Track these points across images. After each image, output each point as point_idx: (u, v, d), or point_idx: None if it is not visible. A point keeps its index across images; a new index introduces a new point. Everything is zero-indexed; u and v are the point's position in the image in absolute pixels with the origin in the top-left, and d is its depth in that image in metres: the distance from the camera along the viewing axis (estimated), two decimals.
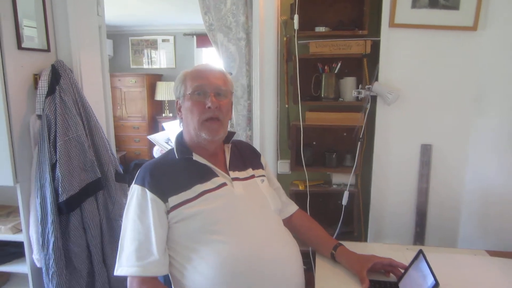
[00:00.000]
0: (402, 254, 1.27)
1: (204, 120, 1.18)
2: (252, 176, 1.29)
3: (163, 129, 4.68)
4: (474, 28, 1.55)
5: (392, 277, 1.19)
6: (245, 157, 1.34)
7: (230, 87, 1.25)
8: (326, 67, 1.80)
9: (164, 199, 1.13)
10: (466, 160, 1.67)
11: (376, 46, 1.70)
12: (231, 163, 1.28)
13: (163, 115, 5.32)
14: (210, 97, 1.16)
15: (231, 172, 1.25)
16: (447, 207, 1.72)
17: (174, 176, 1.18)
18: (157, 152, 4.70)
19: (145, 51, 5.47)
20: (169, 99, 5.21)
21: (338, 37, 1.74)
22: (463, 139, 1.66)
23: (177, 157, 1.23)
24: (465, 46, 1.60)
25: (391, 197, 1.76)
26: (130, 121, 5.07)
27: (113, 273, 1.76)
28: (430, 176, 1.70)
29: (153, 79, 5.21)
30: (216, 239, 1.10)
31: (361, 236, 1.91)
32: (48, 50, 1.80)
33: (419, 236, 1.74)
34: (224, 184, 1.19)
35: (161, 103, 5.38)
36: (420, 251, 1.12)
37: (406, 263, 1.17)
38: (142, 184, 1.15)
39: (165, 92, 5.14)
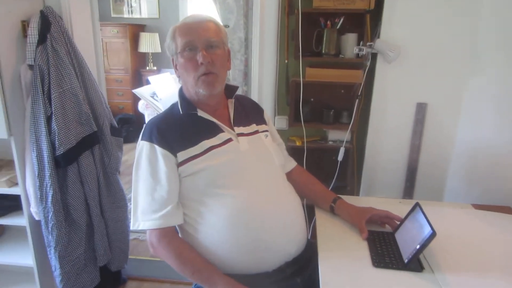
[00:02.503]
0: (395, 207, 1.34)
1: (199, 76, 1.16)
2: (256, 132, 1.30)
3: (148, 82, 4.57)
4: None
5: (388, 228, 1.27)
6: (249, 113, 1.35)
7: (223, 37, 1.21)
8: (328, 22, 1.77)
9: (174, 154, 1.14)
10: (458, 119, 1.72)
11: (380, 2, 1.68)
12: (236, 118, 1.28)
13: (147, 68, 5.16)
14: (201, 52, 1.13)
15: (235, 128, 1.25)
16: (437, 163, 1.79)
17: (181, 132, 1.18)
18: (142, 107, 4.62)
19: None
20: (153, 52, 5.03)
21: None
22: (457, 98, 1.70)
23: (181, 112, 1.23)
24: (467, 5, 1.59)
25: (385, 154, 1.82)
26: (113, 74, 4.90)
27: (111, 225, 1.84)
28: (423, 133, 1.76)
29: (136, 30, 4.99)
30: (223, 192, 1.13)
31: (354, 191, 1.99)
32: None
33: (409, 190, 1.83)
34: (230, 140, 1.20)
35: (144, 55, 5.19)
36: (417, 204, 1.19)
37: (399, 216, 1.24)
38: (150, 140, 1.15)
39: (149, 44, 4.94)
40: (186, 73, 1.18)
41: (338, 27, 1.78)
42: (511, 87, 1.59)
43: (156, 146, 1.13)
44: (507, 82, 1.58)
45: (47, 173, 1.61)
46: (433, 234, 1.01)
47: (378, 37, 1.65)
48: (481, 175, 1.69)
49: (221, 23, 1.25)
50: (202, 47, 1.14)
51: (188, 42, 1.15)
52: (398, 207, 1.35)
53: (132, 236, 2.42)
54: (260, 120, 1.37)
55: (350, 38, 1.79)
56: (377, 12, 1.71)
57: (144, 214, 1.11)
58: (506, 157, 1.63)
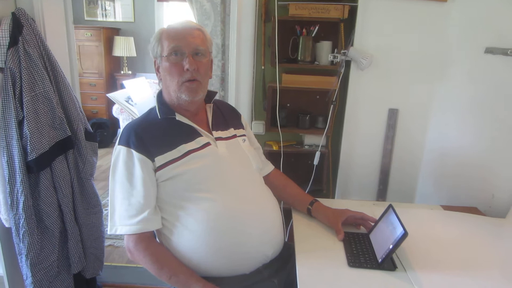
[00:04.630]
0: (369, 209, 1.39)
1: (183, 82, 1.17)
2: (234, 136, 1.32)
3: (122, 87, 4.50)
4: None
5: (363, 229, 1.31)
6: (227, 117, 1.36)
7: (208, 45, 1.23)
8: (303, 30, 1.82)
9: (151, 159, 1.14)
10: (427, 124, 1.80)
11: (353, 12, 1.74)
12: (214, 123, 1.30)
13: (122, 72, 5.07)
14: (188, 58, 1.15)
15: (214, 132, 1.27)
16: (408, 167, 1.86)
17: (159, 136, 1.18)
18: (116, 111, 4.55)
19: (100, 1, 5.09)
20: (127, 56, 4.96)
21: (318, 0, 1.75)
22: (426, 104, 1.78)
23: (159, 117, 1.23)
24: (435, 16, 1.67)
25: (359, 158, 1.88)
26: (86, 78, 4.79)
27: (85, 231, 1.80)
28: (395, 138, 1.82)
29: (110, 33, 4.90)
30: (202, 196, 1.14)
31: (329, 194, 2.04)
32: None
33: (382, 193, 1.89)
34: (208, 144, 1.22)
35: (119, 59, 5.11)
36: (390, 206, 1.23)
37: (374, 217, 1.29)
38: (127, 144, 1.15)
39: (123, 47, 4.87)
40: (170, 77, 1.18)
41: (313, 34, 1.83)
42: (474, 94, 1.68)
43: (133, 151, 1.13)
44: (471, 89, 1.67)
45: (18, 178, 1.56)
46: (405, 234, 1.06)
47: (352, 45, 1.70)
48: (450, 178, 1.77)
49: (206, 31, 1.26)
50: (190, 53, 1.15)
51: (175, 46, 1.16)
52: (372, 209, 1.40)
53: (107, 243, 2.37)
54: (238, 124, 1.39)
55: (325, 46, 1.85)
56: (350, 21, 1.77)
57: (121, 219, 1.11)
58: (472, 161, 1.71)
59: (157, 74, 1.26)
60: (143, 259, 1.10)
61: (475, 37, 1.63)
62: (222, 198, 1.15)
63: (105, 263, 2.01)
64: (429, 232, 1.32)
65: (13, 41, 1.55)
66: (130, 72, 5.08)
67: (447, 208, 1.54)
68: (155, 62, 1.24)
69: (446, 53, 1.69)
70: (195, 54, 1.17)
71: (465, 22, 1.64)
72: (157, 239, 1.22)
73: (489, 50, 1.60)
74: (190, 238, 1.12)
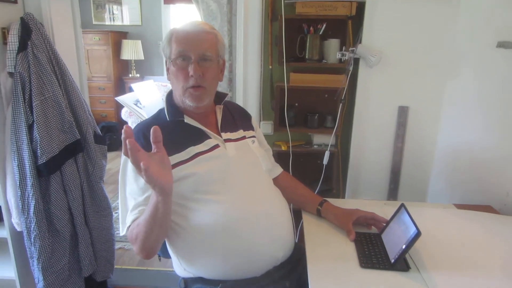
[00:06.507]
0: (380, 209, 1.36)
1: (187, 88, 1.16)
2: (243, 137, 1.31)
3: (130, 90, 4.53)
4: None
5: (374, 230, 1.28)
6: (236, 118, 1.35)
7: (219, 49, 1.21)
8: (311, 28, 1.80)
9: None
10: (438, 121, 1.77)
11: (361, 8, 1.72)
12: (223, 124, 1.28)
13: (130, 75, 5.11)
14: (193, 64, 1.13)
15: (223, 134, 1.25)
16: (419, 165, 1.83)
17: (167, 138, 1.16)
18: (125, 114, 4.57)
19: (107, 6, 5.14)
20: (135, 59, 4.99)
21: None
22: (437, 101, 1.75)
23: (168, 119, 1.22)
24: (445, 11, 1.65)
25: (369, 156, 1.85)
26: (95, 82, 4.84)
27: (96, 234, 1.81)
28: (405, 136, 1.80)
29: (118, 37, 4.95)
30: (210, 198, 1.13)
31: (339, 194, 2.01)
32: (15, 1, 1.66)
33: (393, 192, 1.86)
34: (216, 146, 1.21)
35: (127, 62, 5.15)
36: (402, 205, 1.21)
37: (384, 217, 1.26)
38: None
39: (131, 51, 4.91)
40: (176, 81, 1.17)
41: (320, 32, 1.81)
42: (487, 89, 1.64)
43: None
44: (483, 84, 1.64)
45: (29, 182, 1.57)
46: (418, 234, 1.03)
47: (360, 43, 1.68)
48: (462, 176, 1.74)
49: (219, 34, 1.24)
50: (195, 59, 1.13)
51: (182, 51, 1.14)
52: (383, 209, 1.38)
53: (117, 246, 2.37)
54: (248, 126, 1.37)
55: (332, 44, 1.83)
56: (358, 18, 1.75)
57: (131, 217, 1.10)
58: (485, 158, 1.68)
59: (167, 75, 1.25)
60: (132, 239, 1.07)
61: (486, 31, 1.59)
62: (231, 200, 1.13)
63: (115, 266, 2.02)
64: (443, 231, 1.29)
65: (22, 46, 1.56)
66: (138, 75, 5.12)
67: (460, 206, 1.51)
68: (166, 62, 1.24)
69: (456, 48, 1.66)
70: (203, 60, 1.15)
71: (475, 16, 1.61)
72: (166, 242, 1.21)
73: (501, 44, 1.56)
74: (199, 240, 1.11)
